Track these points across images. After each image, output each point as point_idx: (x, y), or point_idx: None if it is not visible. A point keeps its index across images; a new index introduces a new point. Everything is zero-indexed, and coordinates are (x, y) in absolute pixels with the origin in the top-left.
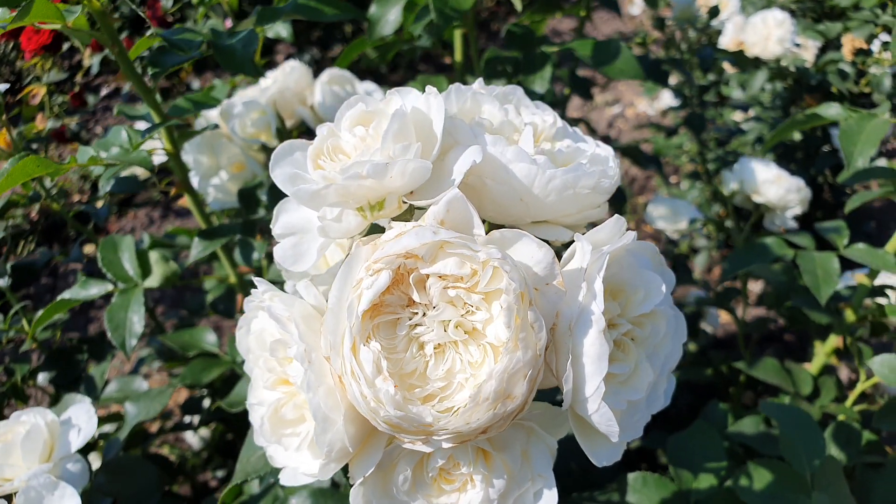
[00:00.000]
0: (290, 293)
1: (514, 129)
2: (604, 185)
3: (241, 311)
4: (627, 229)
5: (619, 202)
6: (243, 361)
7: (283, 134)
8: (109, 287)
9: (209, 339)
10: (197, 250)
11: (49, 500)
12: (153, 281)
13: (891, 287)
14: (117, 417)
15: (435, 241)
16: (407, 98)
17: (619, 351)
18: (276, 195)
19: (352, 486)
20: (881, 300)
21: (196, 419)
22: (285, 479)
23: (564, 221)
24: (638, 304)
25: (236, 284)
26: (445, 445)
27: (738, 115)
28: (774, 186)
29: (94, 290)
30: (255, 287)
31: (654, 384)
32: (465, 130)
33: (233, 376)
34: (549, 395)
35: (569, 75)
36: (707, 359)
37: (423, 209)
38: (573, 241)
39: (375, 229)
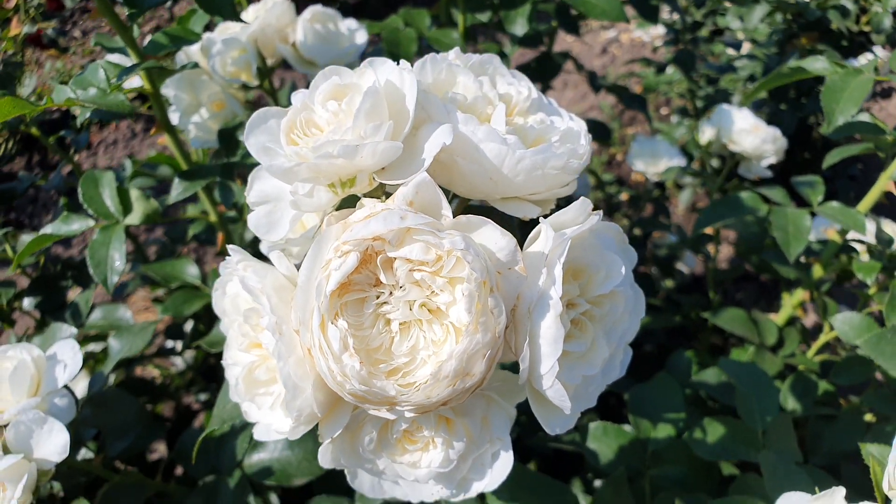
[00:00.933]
0: (266, 251)
1: (488, 103)
2: (572, 166)
3: (222, 251)
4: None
5: (603, 137)
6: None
7: (263, 73)
8: (91, 223)
9: (191, 271)
10: (177, 191)
11: (38, 434)
12: (134, 218)
13: (860, 241)
14: (102, 338)
15: (402, 227)
16: (380, 70)
17: (576, 329)
18: None
19: (321, 443)
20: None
21: (179, 344)
22: (258, 435)
23: (533, 198)
24: (598, 284)
25: (217, 222)
26: (408, 415)
27: (731, 51)
28: (751, 136)
29: (76, 225)
30: (232, 247)
31: (611, 358)
32: (438, 106)
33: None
34: (510, 367)
35: (555, 9)
36: (677, 304)
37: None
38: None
39: (348, 203)
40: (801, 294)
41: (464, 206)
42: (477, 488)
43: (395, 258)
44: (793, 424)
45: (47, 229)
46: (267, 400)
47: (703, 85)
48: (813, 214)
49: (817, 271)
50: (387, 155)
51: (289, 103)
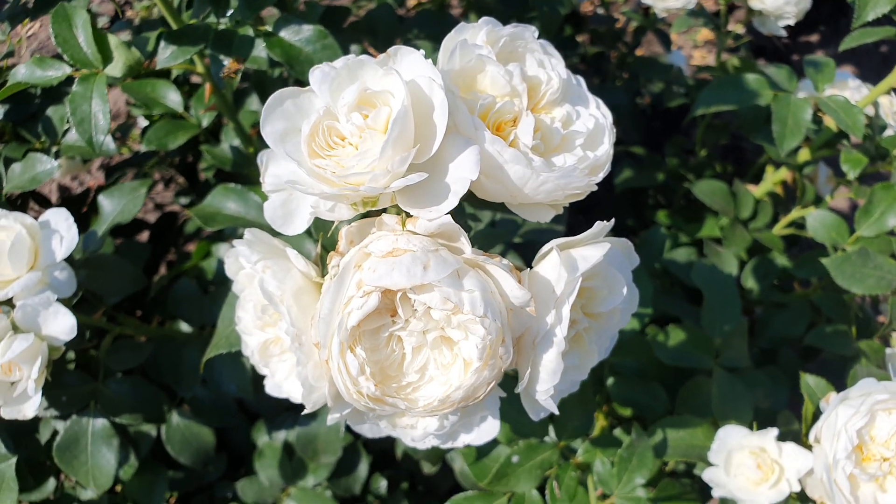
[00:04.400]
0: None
1: (515, 96)
2: (593, 183)
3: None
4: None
5: None
6: (210, 126)
7: None
8: (68, 70)
9: (172, 97)
10: (165, 55)
11: (44, 315)
12: (115, 69)
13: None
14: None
15: (424, 282)
16: (407, 66)
17: (574, 344)
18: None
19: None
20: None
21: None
22: (269, 389)
23: (550, 203)
24: (600, 302)
25: (204, 74)
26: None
27: None
28: None
29: (52, 72)
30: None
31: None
32: (466, 118)
33: (198, 142)
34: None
35: None
36: (661, 159)
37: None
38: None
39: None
40: (784, 172)
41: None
42: (464, 440)
43: (415, 300)
44: (748, 304)
45: (20, 76)
46: (281, 368)
47: None
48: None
49: (803, 154)
50: (411, 183)
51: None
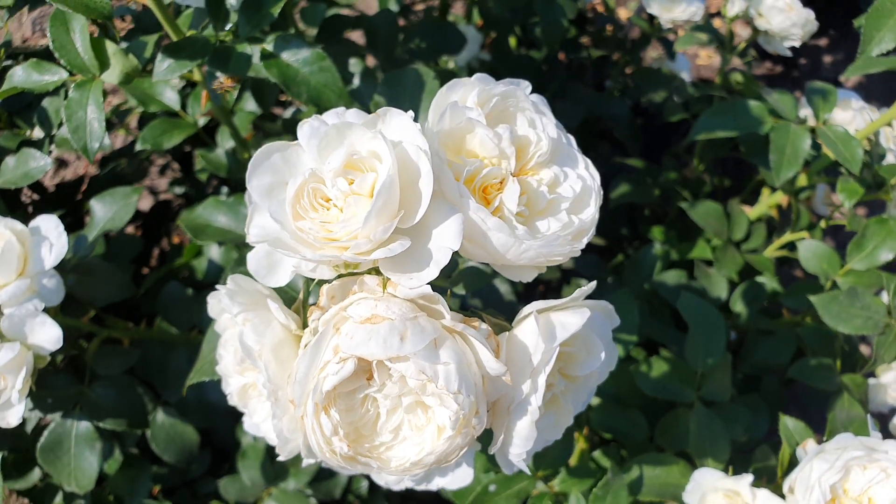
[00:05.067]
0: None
1: (504, 157)
2: (576, 250)
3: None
4: None
5: None
6: (206, 125)
7: None
8: (65, 76)
9: (169, 95)
10: (162, 68)
11: (31, 324)
12: (112, 76)
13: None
14: None
15: (400, 354)
16: (394, 129)
17: (550, 406)
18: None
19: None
20: None
21: None
22: (247, 428)
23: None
24: (577, 366)
25: (201, 81)
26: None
27: None
28: (781, 16)
29: (48, 77)
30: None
31: None
32: (452, 186)
33: (197, 141)
34: None
35: None
36: (657, 174)
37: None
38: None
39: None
40: (780, 196)
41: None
42: (439, 483)
43: (391, 367)
44: (735, 327)
45: (17, 80)
46: (260, 409)
47: None
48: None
49: (801, 180)
50: (393, 254)
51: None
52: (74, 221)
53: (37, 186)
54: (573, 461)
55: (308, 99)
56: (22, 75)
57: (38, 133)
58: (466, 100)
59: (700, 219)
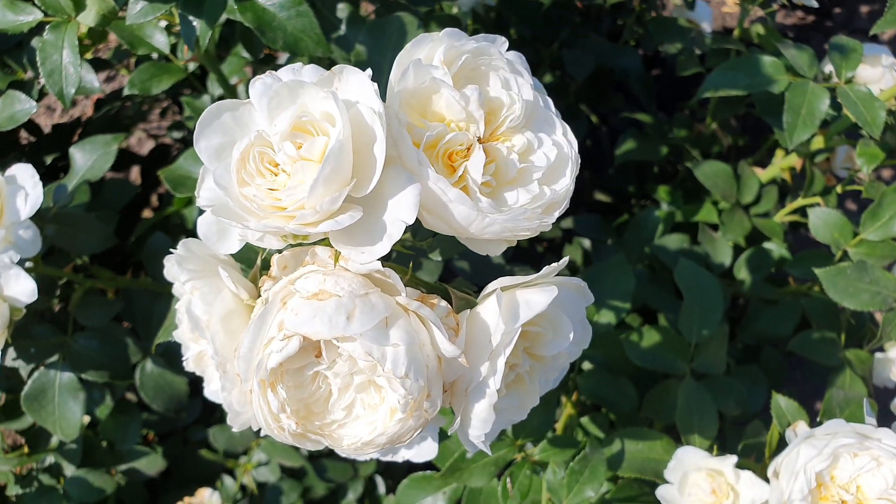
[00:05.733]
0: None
1: (472, 121)
2: (546, 224)
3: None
4: None
5: None
6: (197, 70)
7: None
8: (39, 16)
9: (158, 38)
10: (135, 11)
11: (6, 276)
12: (88, 17)
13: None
14: None
15: (345, 334)
16: (353, 91)
17: (514, 385)
18: None
19: None
20: None
21: None
22: (207, 394)
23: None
24: (544, 346)
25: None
26: None
27: None
28: None
29: (23, 17)
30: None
31: None
32: (410, 152)
33: (185, 85)
34: None
35: None
36: (670, 128)
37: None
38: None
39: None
40: (794, 158)
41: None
42: (404, 455)
43: (339, 346)
44: (737, 294)
45: None
46: (215, 378)
47: None
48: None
49: (817, 142)
50: (340, 227)
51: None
52: (69, 165)
53: (33, 128)
54: (559, 427)
55: (285, 45)
56: None
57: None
58: (433, 57)
59: (707, 180)
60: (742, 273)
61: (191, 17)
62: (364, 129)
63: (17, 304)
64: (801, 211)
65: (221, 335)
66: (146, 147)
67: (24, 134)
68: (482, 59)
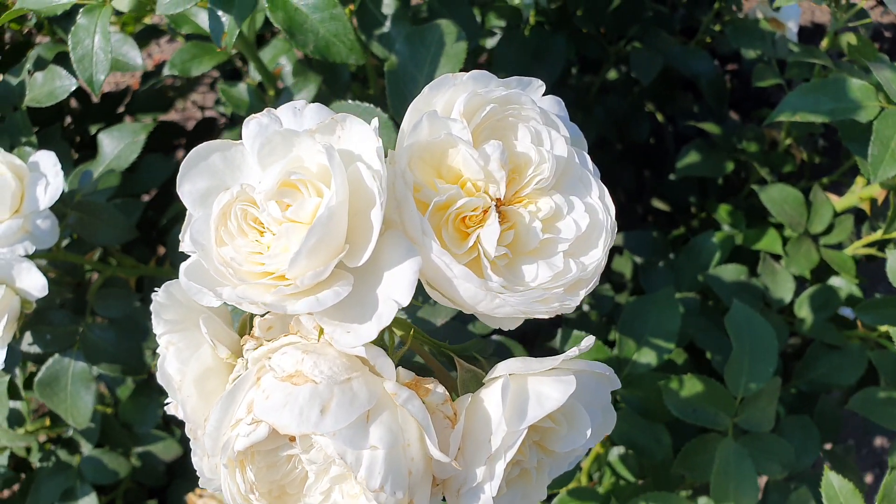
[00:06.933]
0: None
1: (492, 181)
2: (568, 306)
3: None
4: None
5: None
6: (238, 52)
7: None
8: None
9: (202, 17)
10: (165, 1)
11: (18, 269)
12: (122, 3)
13: None
14: None
15: (317, 431)
16: (356, 143)
17: (518, 479)
18: None
19: None
20: None
21: None
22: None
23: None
24: (557, 441)
25: None
26: None
27: None
28: None
29: None
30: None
31: None
32: (414, 219)
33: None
34: None
35: None
36: (734, 144)
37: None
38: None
39: None
40: (874, 190)
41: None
42: None
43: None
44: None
45: (26, 1)
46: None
47: None
48: None
49: None
50: (328, 303)
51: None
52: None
53: (82, 95)
54: (585, 465)
55: (315, 50)
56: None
57: None
58: (453, 105)
59: (773, 206)
60: (803, 311)
61: (220, 12)
62: (363, 190)
63: (28, 297)
64: (879, 244)
65: (194, 398)
66: (192, 121)
67: (74, 103)
68: (511, 108)
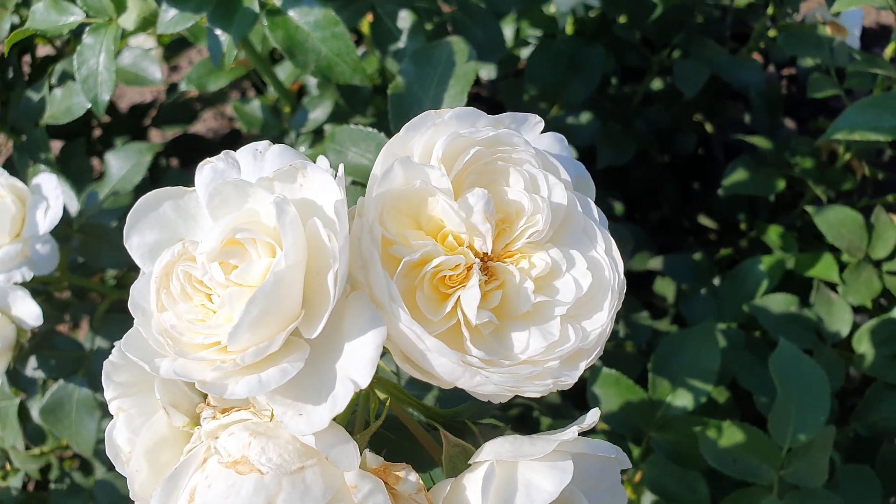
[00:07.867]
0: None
1: (476, 234)
2: (562, 384)
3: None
4: None
5: None
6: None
7: None
8: (80, 18)
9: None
10: (167, 18)
11: (13, 297)
12: (129, 20)
13: None
14: None
15: None
16: (313, 189)
17: None
18: None
19: None
20: None
21: None
22: None
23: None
24: None
25: None
26: None
27: None
28: None
29: (65, 18)
30: None
31: None
32: (380, 283)
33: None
34: None
35: None
36: (788, 159)
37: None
38: None
39: None
40: None
41: None
42: None
43: None
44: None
45: (37, 22)
46: None
47: None
48: None
49: None
50: (267, 386)
51: None
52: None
53: (110, 107)
54: None
55: (317, 70)
56: (41, 14)
57: None
58: (432, 149)
59: (830, 230)
60: (863, 346)
61: (217, 31)
62: (323, 248)
63: (23, 325)
64: None
65: (145, 472)
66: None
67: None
68: (500, 150)
